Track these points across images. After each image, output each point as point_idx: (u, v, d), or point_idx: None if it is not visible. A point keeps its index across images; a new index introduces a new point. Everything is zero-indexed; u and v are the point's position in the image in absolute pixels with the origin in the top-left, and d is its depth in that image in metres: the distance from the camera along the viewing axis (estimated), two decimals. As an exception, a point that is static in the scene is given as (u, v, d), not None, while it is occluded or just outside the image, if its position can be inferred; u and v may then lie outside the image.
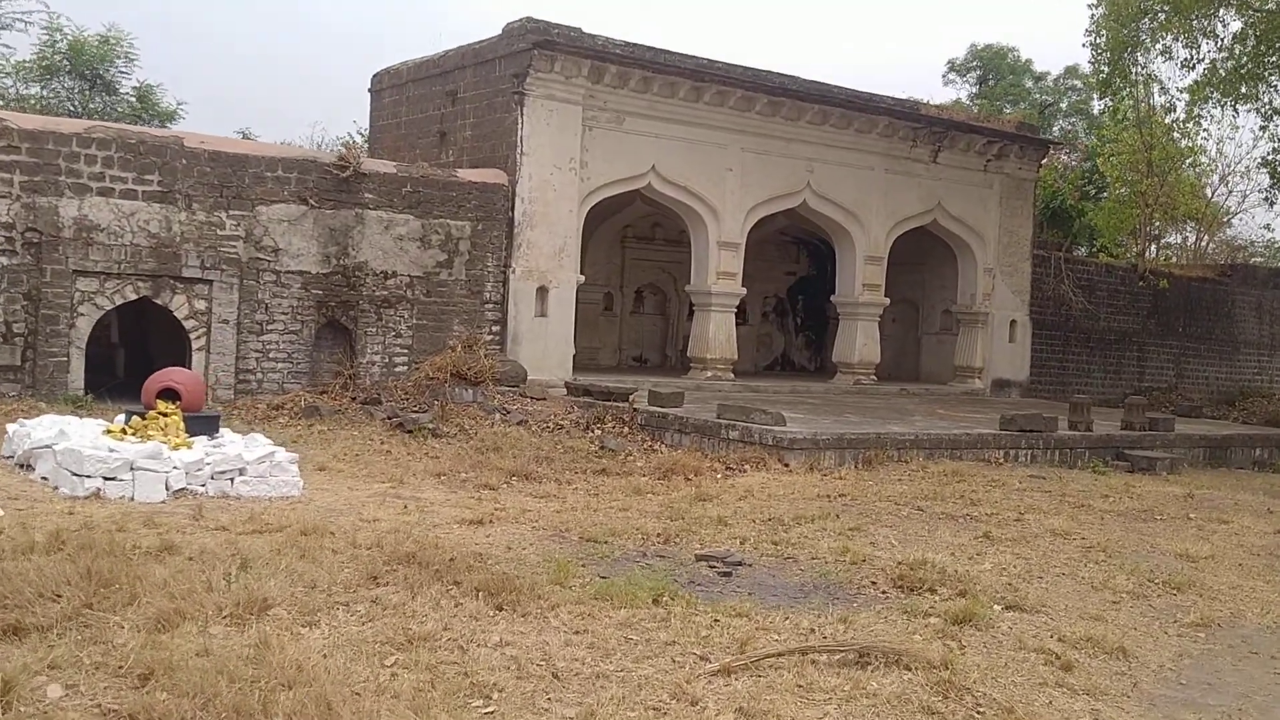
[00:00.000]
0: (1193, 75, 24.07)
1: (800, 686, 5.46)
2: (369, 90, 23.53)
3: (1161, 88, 27.66)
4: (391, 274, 18.32)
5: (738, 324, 27.50)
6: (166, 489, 10.02)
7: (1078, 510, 11.97)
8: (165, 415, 11.07)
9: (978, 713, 5.37)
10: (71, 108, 23.22)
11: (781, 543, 9.33)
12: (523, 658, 5.68)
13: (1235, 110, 24.02)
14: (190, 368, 16.85)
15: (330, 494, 10.83)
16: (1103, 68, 25.38)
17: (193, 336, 16.80)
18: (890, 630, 6.77)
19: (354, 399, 17.20)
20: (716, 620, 6.69)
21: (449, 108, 21.06)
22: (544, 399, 17.95)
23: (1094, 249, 37.17)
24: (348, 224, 17.91)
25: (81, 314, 16.09)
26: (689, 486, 12.56)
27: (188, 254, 16.67)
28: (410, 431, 15.46)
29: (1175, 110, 27.99)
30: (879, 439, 15.10)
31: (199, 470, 10.28)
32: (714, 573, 8.11)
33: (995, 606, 7.55)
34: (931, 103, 24.50)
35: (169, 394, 11.42)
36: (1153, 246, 38.08)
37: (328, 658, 5.35)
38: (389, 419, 16.10)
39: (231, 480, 10.41)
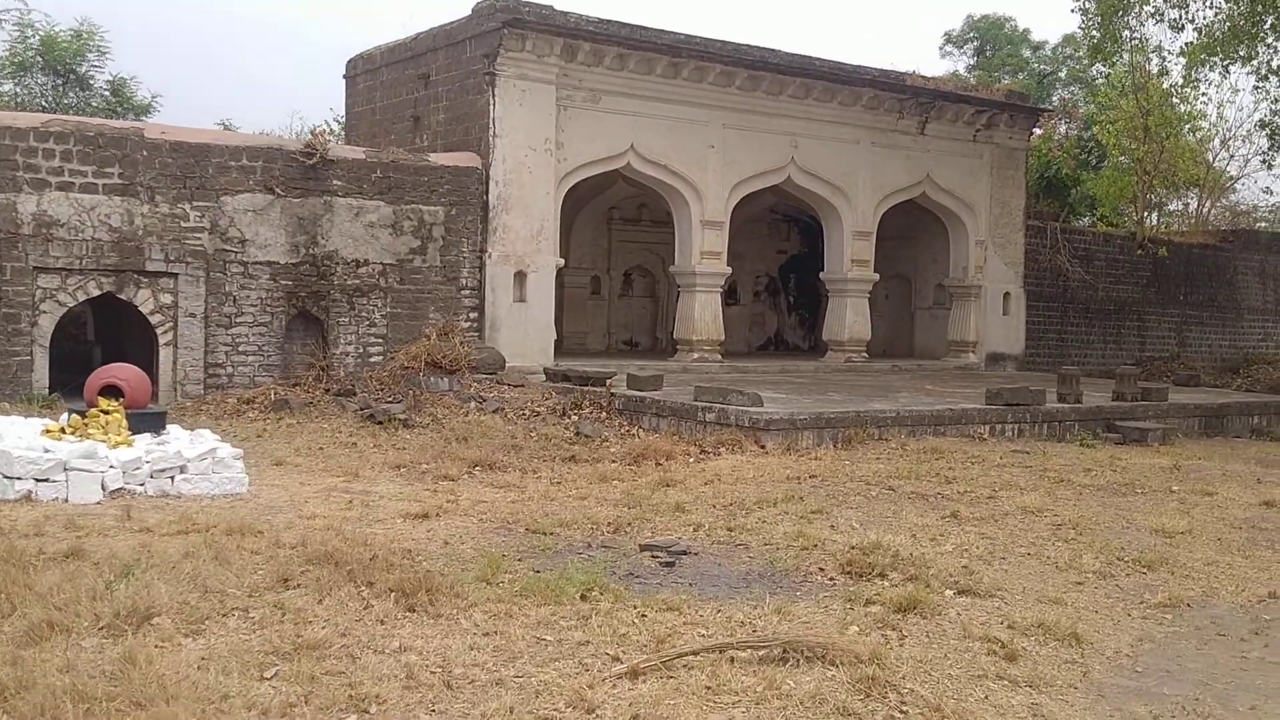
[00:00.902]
0: (1184, 37, 23.54)
1: (709, 688, 5.08)
2: (344, 77, 23.15)
3: (1155, 52, 27.13)
4: (363, 262, 17.94)
5: (729, 304, 27.24)
6: (103, 489, 9.68)
7: (1056, 485, 11.57)
8: (107, 413, 10.72)
9: (900, 712, 4.98)
10: (44, 104, 22.87)
11: (737, 529, 8.95)
12: (419, 664, 5.31)
13: (1226, 72, 23.40)
14: (157, 363, 16.59)
15: (278, 490, 10.48)
16: (1093, 32, 24.82)
17: (159, 331, 16.47)
18: (827, 621, 6.39)
19: (327, 391, 16.84)
20: (643, 616, 6.32)
21: (422, 91, 20.66)
22: (522, 386, 17.57)
23: (1096, 219, 36.63)
24: (316, 212, 17.53)
25: (44, 312, 15.77)
26: (658, 472, 12.19)
27: (151, 247, 16.32)
28: (380, 423, 15.11)
29: (1169, 74, 27.52)
30: (858, 417, 14.69)
31: (137, 469, 9.94)
32: (657, 563, 7.74)
33: (947, 591, 7.16)
34: (918, 73, 23.93)
35: (111, 391, 11.07)
36: (1154, 215, 37.51)
37: (201, 670, 4.99)
38: (360, 410, 15.76)
39: (172, 479, 10.06)
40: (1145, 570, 8.15)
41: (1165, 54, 26.21)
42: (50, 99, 23.21)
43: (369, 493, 10.44)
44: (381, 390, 17.02)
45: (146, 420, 11.08)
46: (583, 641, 5.75)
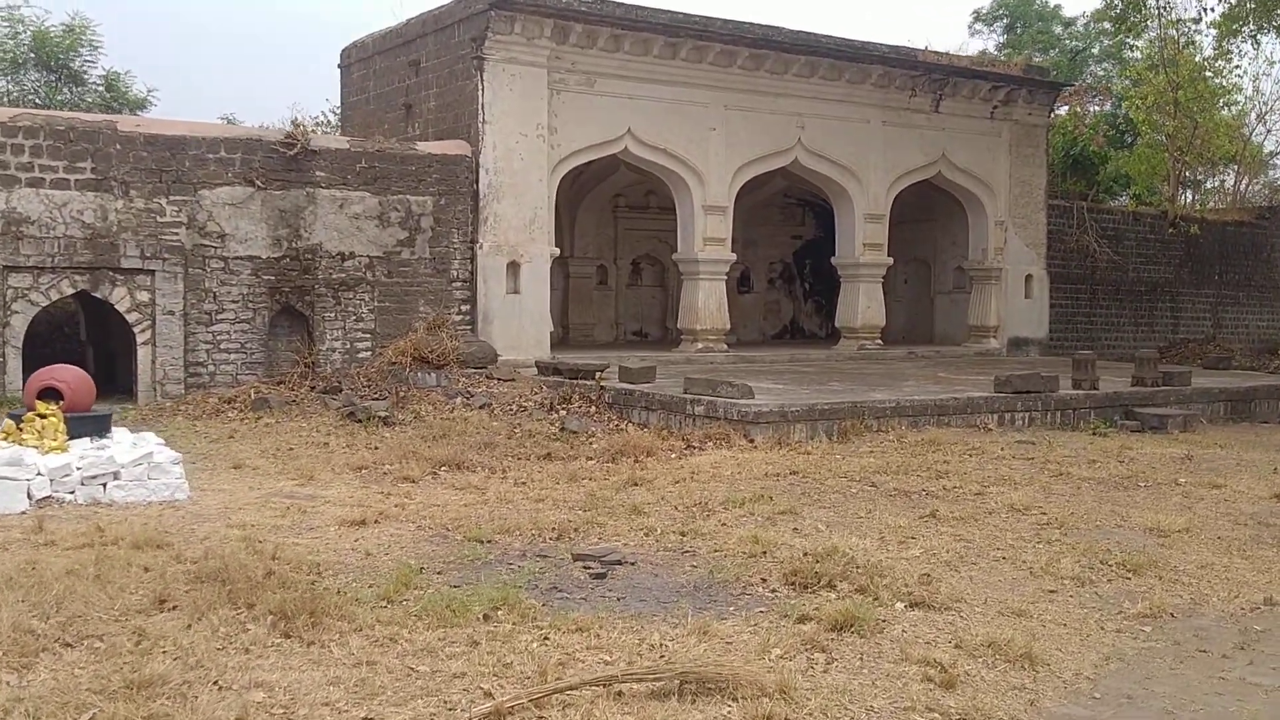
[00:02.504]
0: (1211, 7, 22.60)
1: (576, 731, 4.44)
2: (339, 66, 22.63)
3: (1182, 24, 26.12)
4: (349, 255, 17.41)
5: (742, 292, 26.61)
6: (29, 498, 9.16)
7: (1054, 479, 10.81)
8: (44, 417, 10.20)
9: (792, 759, 4.32)
10: (38, 101, 22.50)
11: (690, 533, 8.29)
12: (259, 705, 4.71)
13: (1256, 42, 22.41)
14: (136, 362, 16.14)
15: (223, 495, 9.93)
16: (1116, 2, 23.94)
17: (137, 330, 16.03)
18: (750, 642, 5.72)
19: (313, 388, 16.34)
20: (545, 639, 5.68)
21: (413, 79, 20.09)
22: (513, 380, 16.97)
23: (1131, 198, 35.53)
24: (299, 204, 17.01)
25: (16, 311, 15.36)
26: (635, 470, 11.54)
27: (126, 244, 15.87)
28: (360, 421, 14.56)
29: (1196, 45, 26.49)
30: (855, 408, 13.96)
31: (66, 476, 9.41)
32: (587, 574, 7.09)
33: (897, 604, 6.47)
34: (931, 48, 23.07)
35: (50, 394, 10.55)
36: (1189, 193, 36.36)
37: (5, 715, 4.40)
38: (342, 408, 15.23)
39: (105, 486, 9.53)
40: (1130, 575, 7.41)
41: (1190, 23, 25.17)
42: (44, 96, 22.84)
43: (316, 497, 9.86)
44: (369, 387, 16.49)
45: (88, 424, 10.55)
46: (459, 673, 5.12)
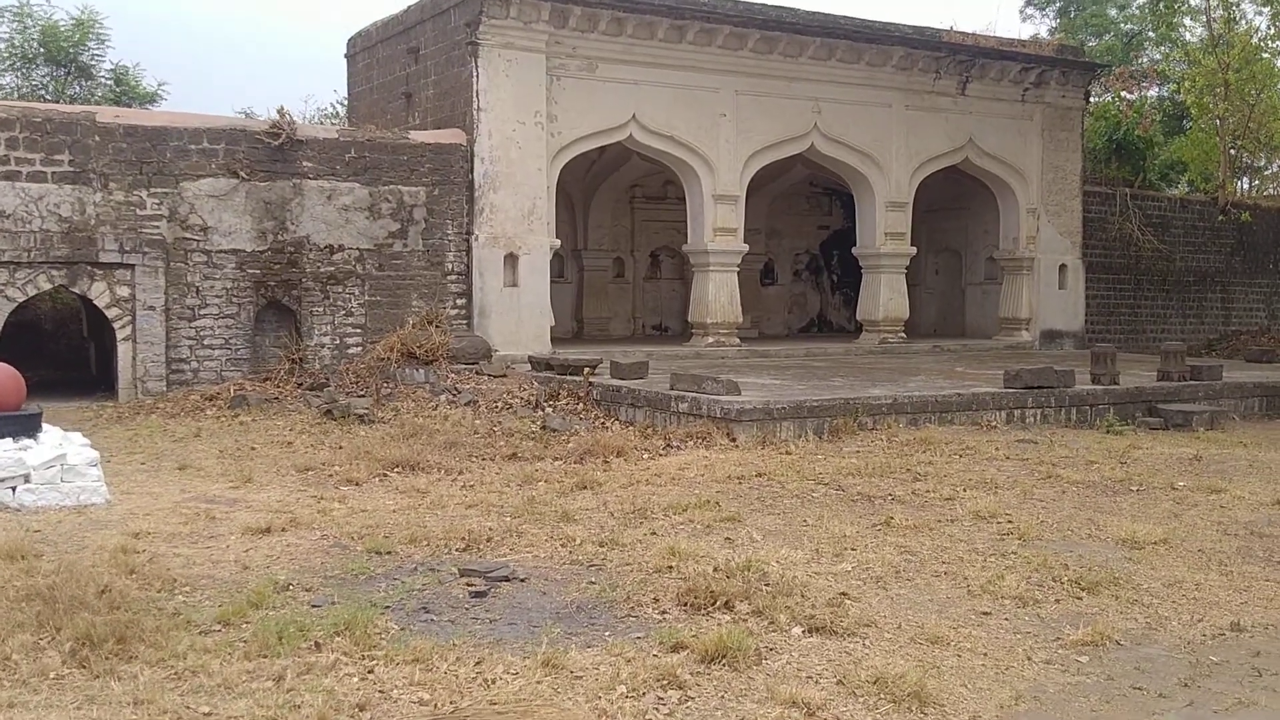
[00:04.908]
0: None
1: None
2: (345, 56, 22.17)
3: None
4: (338, 247, 16.89)
5: (765, 285, 25.82)
6: (-70, 503, 8.69)
7: (1040, 483, 9.96)
8: (-38, 417, 9.73)
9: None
10: (47, 95, 22.27)
11: (610, 544, 7.60)
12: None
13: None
14: (116, 358, 15.76)
15: (146, 499, 9.40)
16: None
17: (117, 326, 15.64)
18: (599, 677, 5.01)
19: (298, 385, 15.87)
20: (370, 672, 5.03)
21: (413, 67, 19.54)
22: (504, 376, 16.35)
23: (1186, 184, 34.17)
24: (285, 196, 16.53)
25: (-9, 307, 15.00)
26: (597, 471, 10.86)
27: (104, 237, 15.48)
28: (337, 419, 14.04)
29: (1252, 26, 25.23)
30: (847, 405, 13.15)
31: (-31, 480, 8.92)
32: (468, 592, 6.42)
33: (795, 629, 5.73)
34: (956, 28, 22.06)
35: (-27, 392, 10.07)
36: (1245, 179, 34.90)
37: None
38: (321, 406, 14.71)
39: (14, 490, 9.03)
40: (1082, 594, 6.60)
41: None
42: (53, 90, 22.61)
43: (238, 502, 9.30)
44: (356, 383, 15.99)
45: (11, 424, 10.03)
46: (235, 716, 4.48)
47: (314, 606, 6.13)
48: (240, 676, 4.91)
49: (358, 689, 4.82)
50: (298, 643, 5.36)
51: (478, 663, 5.19)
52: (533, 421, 14.04)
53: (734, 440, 12.37)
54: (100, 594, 5.91)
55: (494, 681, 4.95)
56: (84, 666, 5.02)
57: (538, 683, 4.94)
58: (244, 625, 5.72)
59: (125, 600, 5.89)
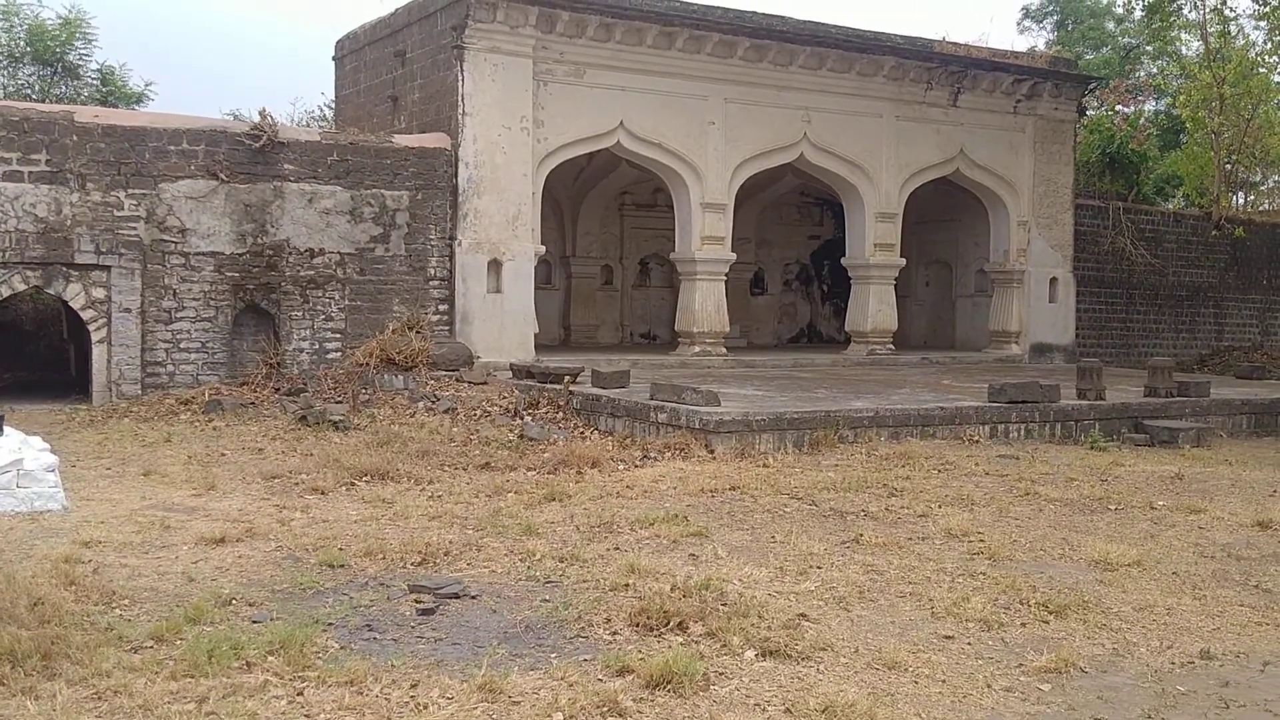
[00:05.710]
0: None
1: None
2: (333, 58, 21.99)
3: (1223, 15, 24.80)
4: (318, 251, 16.70)
5: (755, 294, 25.67)
6: (-120, 508, 8.50)
7: (1017, 500, 9.78)
8: (-81, 419, 9.55)
9: None
10: (33, 95, 22.07)
11: (570, 559, 7.41)
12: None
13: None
14: (91, 361, 15.56)
15: (105, 506, 9.21)
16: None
17: (92, 328, 15.44)
18: (538, 703, 4.82)
19: (276, 390, 15.67)
20: (299, 695, 4.84)
21: (400, 70, 19.36)
22: (485, 383, 16.17)
23: (1181, 199, 34.04)
24: (265, 198, 16.33)
25: (-37, 308, 14.80)
26: (569, 482, 10.67)
27: (80, 238, 15.28)
28: (311, 425, 13.85)
29: (1249, 40, 25.10)
30: (828, 418, 12.98)
31: (-76, 484, 8.73)
32: (416, 610, 6.23)
33: (748, 653, 5.54)
34: (948, 39, 21.89)
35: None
36: (1241, 194, 34.77)
37: None
38: (298, 411, 14.53)
39: (-33, 494, 8.84)
40: (1050, 618, 6.41)
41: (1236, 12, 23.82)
42: (40, 90, 22.43)
43: (196, 510, 9.11)
44: (334, 389, 15.79)
45: (-30, 427, 9.88)
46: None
47: (254, 622, 5.94)
48: (162, 698, 4.72)
49: (283, 714, 4.63)
50: (229, 662, 5.17)
51: (413, 685, 5.01)
52: (510, 430, 13.87)
53: (712, 452, 12.20)
54: (32, 607, 5.72)
55: (426, 707, 4.76)
56: (3, 684, 4.83)
57: (472, 708, 4.75)
58: (178, 642, 5.53)
59: (58, 614, 5.70)
